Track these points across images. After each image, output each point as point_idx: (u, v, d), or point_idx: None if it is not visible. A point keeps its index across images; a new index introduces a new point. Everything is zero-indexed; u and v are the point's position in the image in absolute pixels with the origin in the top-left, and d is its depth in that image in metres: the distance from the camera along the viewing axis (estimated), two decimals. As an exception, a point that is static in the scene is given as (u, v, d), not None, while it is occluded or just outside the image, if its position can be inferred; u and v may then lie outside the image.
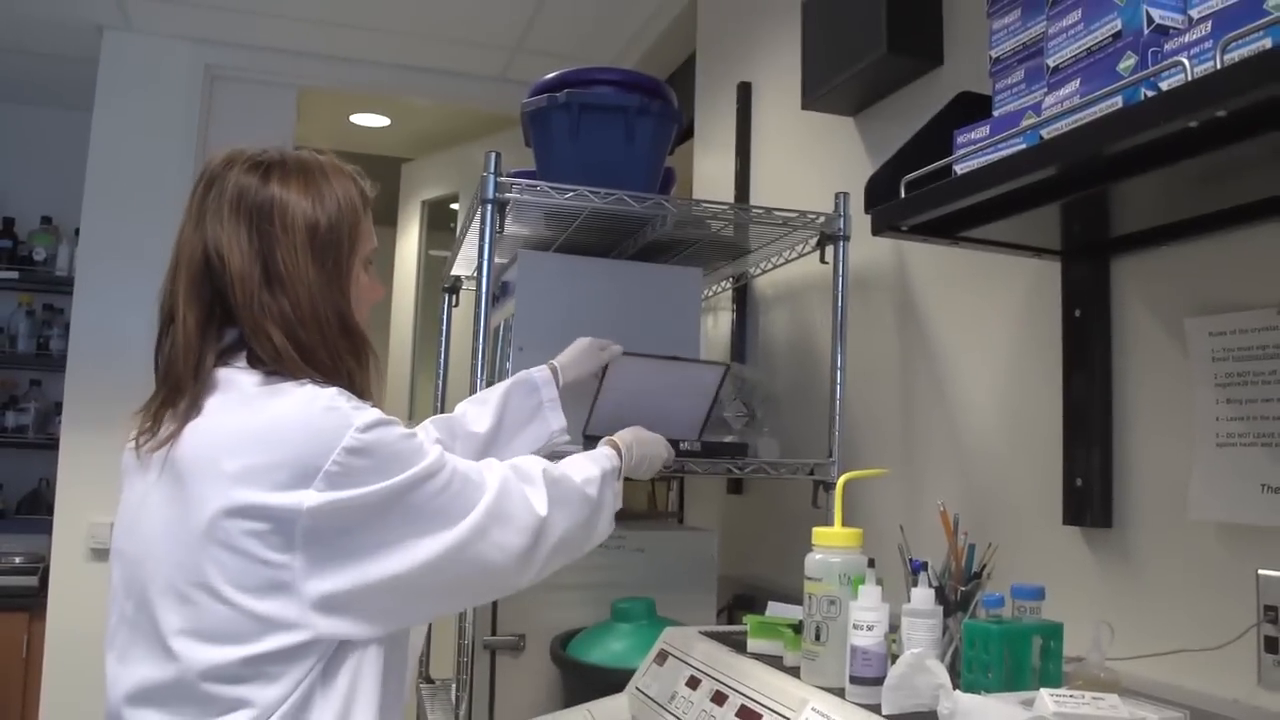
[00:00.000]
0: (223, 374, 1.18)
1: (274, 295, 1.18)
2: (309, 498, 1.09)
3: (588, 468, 1.43)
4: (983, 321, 1.80)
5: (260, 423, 1.13)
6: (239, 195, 1.20)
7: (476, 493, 1.22)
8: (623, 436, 1.59)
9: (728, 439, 2.08)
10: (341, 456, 1.10)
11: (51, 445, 3.58)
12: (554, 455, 1.56)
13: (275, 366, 1.18)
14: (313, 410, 1.14)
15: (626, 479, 1.58)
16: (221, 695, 1.09)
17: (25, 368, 3.99)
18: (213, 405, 1.16)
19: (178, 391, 1.18)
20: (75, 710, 2.70)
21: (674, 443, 1.72)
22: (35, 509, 3.96)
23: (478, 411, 1.68)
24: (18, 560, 3.66)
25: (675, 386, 1.90)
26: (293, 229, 1.19)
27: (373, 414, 1.15)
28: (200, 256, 1.19)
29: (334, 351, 1.21)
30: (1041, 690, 1.05)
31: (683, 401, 1.90)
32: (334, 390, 1.17)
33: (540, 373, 1.74)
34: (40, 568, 3.56)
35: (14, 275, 3.87)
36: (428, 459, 1.17)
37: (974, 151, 1.29)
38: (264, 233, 1.19)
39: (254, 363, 1.19)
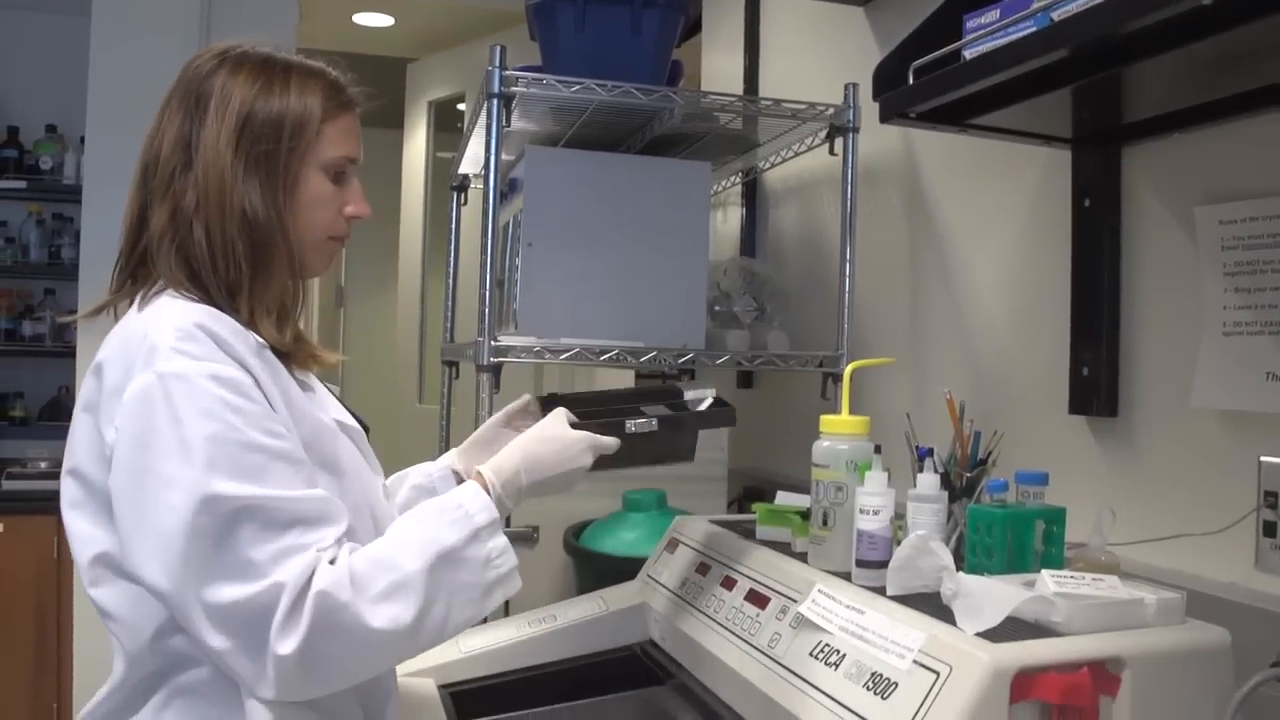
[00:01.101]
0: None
1: (186, 179, 1.11)
2: (109, 436, 1.03)
3: (412, 552, 1.06)
4: (991, 212, 1.79)
5: (118, 335, 1.09)
6: (189, 82, 1.15)
7: (229, 574, 0.97)
8: (501, 464, 1.20)
9: (735, 333, 2.09)
10: (129, 398, 1.01)
11: (69, 353, 3.61)
12: None
13: (182, 270, 1.11)
14: (138, 333, 1.05)
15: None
16: (95, 600, 1.09)
17: (39, 277, 3.99)
18: (126, 316, 1.12)
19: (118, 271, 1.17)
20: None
21: (619, 424, 1.28)
22: (56, 415, 4.01)
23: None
24: (43, 465, 3.73)
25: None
26: (223, 114, 1.12)
27: (183, 364, 1.01)
28: (147, 146, 1.16)
29: (227, 245, 1.11)
30: (1043, 572, 1.08)
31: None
32: (185, 313, 1.06)
33: (439, 470, 1.43)
34: (64, 472, 3.62)
35: (22, 185, 3.85)
36: (211, 487, 0.97)
37: (984, 35, 1.27)
38: (195, 117, 1.13)
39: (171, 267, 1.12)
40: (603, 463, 1.26)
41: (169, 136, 1.13)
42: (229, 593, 0.97)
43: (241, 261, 1.12)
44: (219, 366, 1.03)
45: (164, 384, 1.00)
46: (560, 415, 1.26)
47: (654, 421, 1.25)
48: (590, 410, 1.30)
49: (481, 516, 1.12)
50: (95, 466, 1.05)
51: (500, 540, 1.12)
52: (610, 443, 1.26)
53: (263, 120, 1.13)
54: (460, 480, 1.35)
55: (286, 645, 0.98)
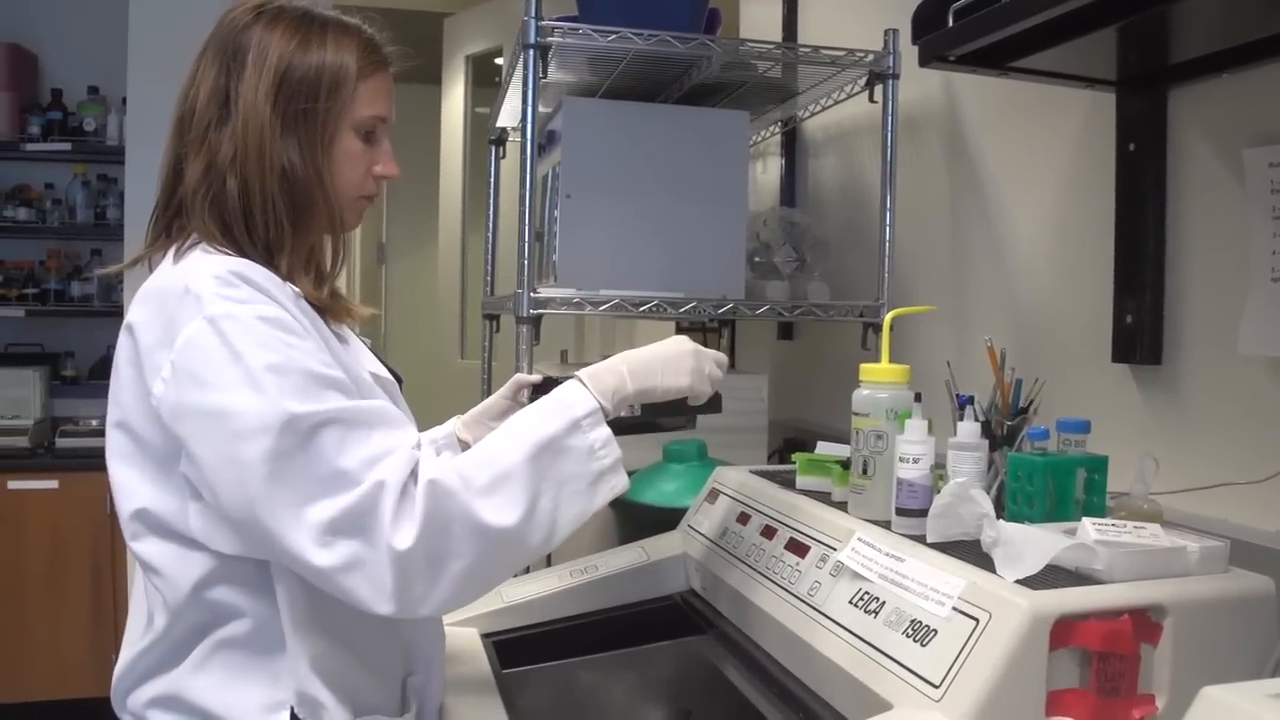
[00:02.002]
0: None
1: (222, 133, 1.11)
2: (158, 389, 1.02)
3: (512, 444, 1.07)
4: (1034, 157, 1.77)
5: (150, 290, 1.08)
6: (225, 34, 1.14)
7: (325, 489, 0.97)
8: (597, 367, 1.19)
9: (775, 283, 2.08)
10: (180, 353, 1.01)
11: (116, 313, 3.67)
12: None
13: (215, 222, 1.11)
14: (177, 286, 1.04)
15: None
16: (141, 557, 1.09)
17: (85, 238, 4.04)
18: (158, 270, 1.12)
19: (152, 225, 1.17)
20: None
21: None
22: (106, 374, 4.02)
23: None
24: (95, 423, 3.80)
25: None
26: (261, 68, 1.11)
27: (234, 308, 1.02)
28: (182, 99, 1.16)
29: (268, 202, 1.11)
30: (1084, 520, 1.07)
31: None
32: (222, 263, 1.06)
33: (444, 436, 1.44)
34: (116, 429, 3.69)
35: (66, 146, 3.89)
36: (286, 407, 0.97)
37: (1026, -25, 1.24)
38: (232, 70, 1.12)
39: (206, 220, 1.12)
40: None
41: (204, 89, 1.13)
42: (330, 506, 0.97)
43: (283, 219, 1.13)
44: (264, 307, 1.04)
45: (216, 326, 1.00)
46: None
47: (636, 409, 1.24)
48: None
49: (581, 407, 1.11)
50: (142, 420, 1.06)
51: (603, 431, 1.12)
52: (720, 356, 1.28)
53: (300, 77, 1.12)
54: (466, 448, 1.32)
55: (404, 538, 0.97)
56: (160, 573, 1.08)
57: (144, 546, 1.09)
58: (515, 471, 1.04)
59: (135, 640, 1.12)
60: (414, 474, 1.00)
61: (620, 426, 1.17)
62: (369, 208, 1.26)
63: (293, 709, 1.07)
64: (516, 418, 1.12)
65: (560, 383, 1.19)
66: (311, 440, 0.98)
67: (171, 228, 1.15)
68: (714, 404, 1.33)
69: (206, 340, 1.00)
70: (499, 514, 1.02)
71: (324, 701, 1.07)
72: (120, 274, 1.23)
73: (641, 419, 1.28)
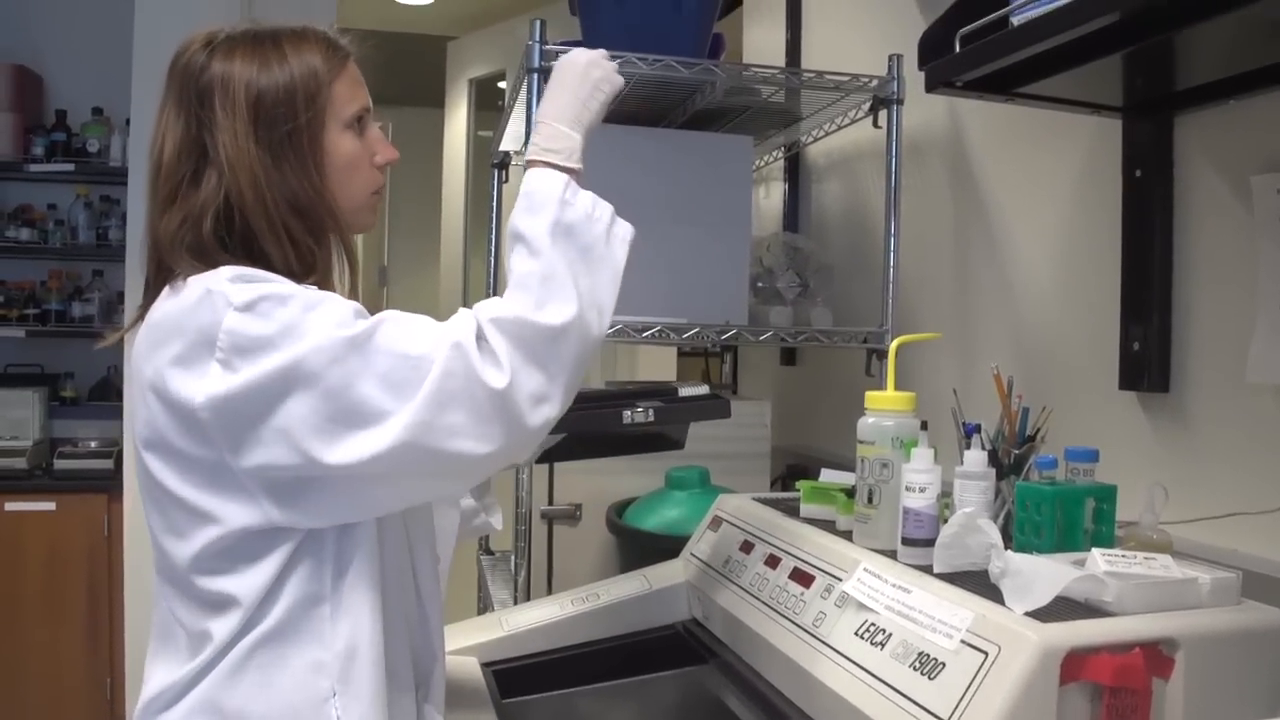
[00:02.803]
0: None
1: (200, 184, 1.09)
2: (202, 389, 1.01)
3: (527, 251, 1.10)
4: (1039, 183, 1.76)
5: (155, 320, 1.07)
6: (183, 79, 1.12)
7: (413, 376, 1.01)
8: (547, 142, 1.18)
9: (778, 309, 2.07)
10: (226, 341, 1.00)
11: (117, 333, 3.66)
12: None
13: (201, 260, 1.08)
14: (191, 299, 1.04)
15: None
16: (207, 590, 1.06)
17: (87, 259, 4.04)
18: (154, 307, 1.10)
19: (145, 291, 1.15)
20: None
21: (615, 414, 1.32)
22: (106, 395, 4.07)
23: None
24: (93, 444, 3.79)
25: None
26: (233, 108, 1.09)
27: (259, 288, 1.02)
28: (152, 157, 1.13)
29: (282, 236, 1.10)
30: (1093, 551, 1.05)
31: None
32: (227, 271, 1.05)
33: None
34: (115, 451, 3.68)
35: (70, 167, 3.89)
36: (339, 333, 1.01)
37: (1032, 1, 1.24)
38: (202, 118, 1.09)
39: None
40: (598, 450, 1.26)
41: (171, 142, 1.11)
42: (419, 392, 1.00)
43: (307, 241, 1.12)
44: (285, 285, 1.05)
45: (252, 309, 1.01)
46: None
47: (650, 412, 1.25)
48: (588, 403, 1.30)
49: (555, 185, 1.13)
50: (181, 438, 1.04)
51: (585, 194, 1.15)
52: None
53: (274, 100, 1.10)
54: None
55: (499, 378, 1.02)
56: (236, 598, 1.05)
57: (216, 582, 1.06)
58: (546, 270, 1.08)
59: (174, 662, 1.09)
60: (477, 327, 1.05)
61: (637, 443, 1.17)
62: (380, 200, 1.24)
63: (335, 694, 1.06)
64: (512, 230, 1.13)
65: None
66: (376, 347, 1.01)
67: (165, 287, 1.12)
68: (723, 409, 1.33)
69: (247, 322, 1.01)
70: (560, 314, 1.07)
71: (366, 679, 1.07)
72: (118, 298, 1.22)
73: (658, 431, 1.28)
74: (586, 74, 1.22)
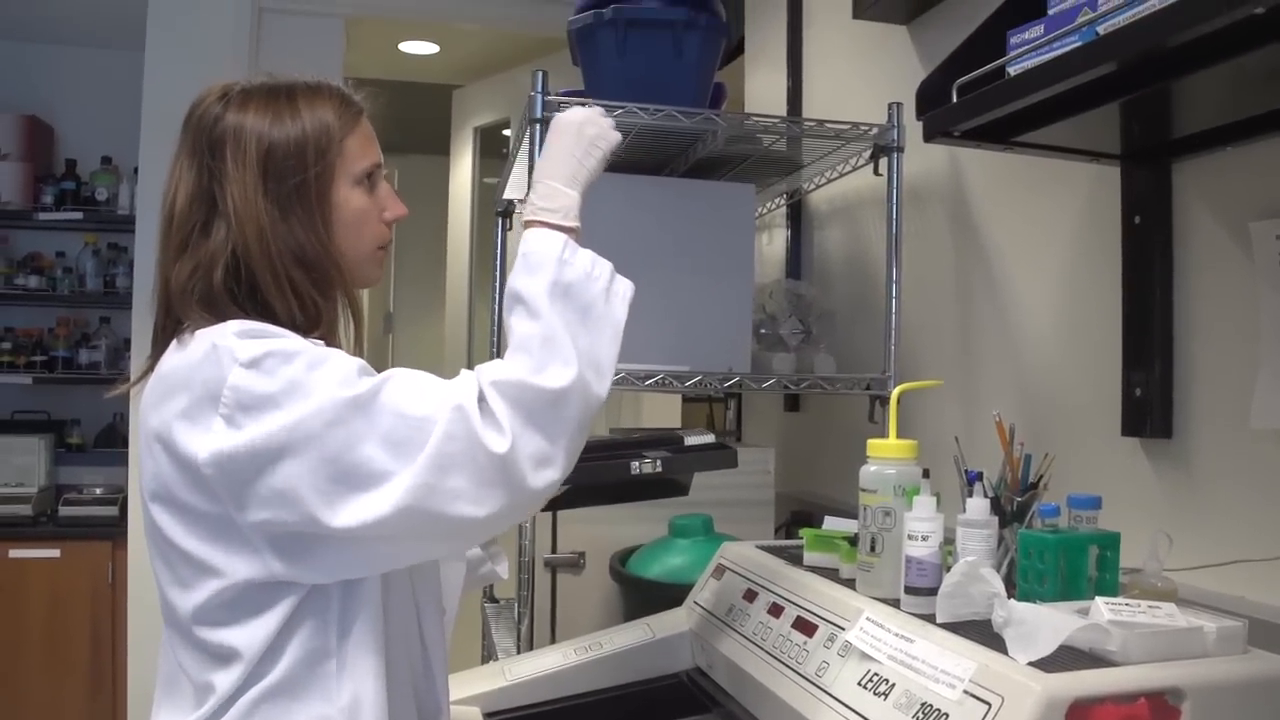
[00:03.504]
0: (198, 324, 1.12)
1: (210, 234, 1.10)
2: (206, 444, 1.01)
3: (525, 316, 1.10)
4: (1040, 230, 1.77)
5: (163, 373, 1.08)
6: (197, 129, 1.13)
7: (415, 437, 1.01)
8: (530, 198, 1.20)
9: (781, 355, 2.08)
10: (230, 397, 1.01)
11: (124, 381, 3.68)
12: None
13: (210, 311, 1.10)
14: (198, 353, 1.05)
15: None
16: (209, 641, 1.06)
17: (94, 306, 4.08)
18: (163, 359, 1.11)
19: (154, 341, 1.16)
20: (160, 633, 2.79)
21: (624, 465, 1.36)
22: (111, 442, 4.08)
23: None
24: (99, 491, 3.80)
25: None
26: (244, 160, 1.10)
27: (265, 344, 1.03)
28: (163, 204, 1.15)
29: (286, 289, 1.11)
30: (1097, 599, 1.05)
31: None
32: (234, 325, 1.06)
33: None
34: (120, 498, 3.68)
35: (78, 215, 3.94)
36: (342, 393, 1.01)
37: (1028, 51, 1.26)
38: (213, 169, 1.11)
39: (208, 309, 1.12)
40: (604, 498, 1.26)
41: (183, 192, 1.12)
42: (420, 455, 1.00)
43: (312, 294, 1.13)
44: (292, 341, 1.05)
45: (258, 365, 1.01)
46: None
47: (658, 463, 1.25)
48: (595, 453, 1.30)
49: (553, 245, 1.13)
50: (188, 493, 1.04)
51: (583, 252, 1.15)
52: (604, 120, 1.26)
53: (284, 153, 1.11)
54: None
55: (500, 442, 1.02)
56: (239, 650, 1.05)
57: (219, 634, 1.06)
58: (548, 334, 1.09)
59: (179, 713, 1.09)
60: (479, 391, 1.05)
61: (643, 488, 1.17)
62: (386, 256, 1.25)
63: None
64: (511, 291, 1.13)
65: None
66: (380, 408, 1.02)
67: (173, 337, 1.13)
68: (730, 459, 1.33)
69: (252, 379, 1.01)
70: (560, 376, 1.07)
71: None
72: (125, 344, 1.24)
73: (664, 477, 1.28)
74: (581, 132, 1.23)
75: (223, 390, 1.01)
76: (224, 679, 1.05)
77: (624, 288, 1.17)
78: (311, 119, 1.13)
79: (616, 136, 1.27)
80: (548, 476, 1.06)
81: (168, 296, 1.13)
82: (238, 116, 1.12)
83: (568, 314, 1.10)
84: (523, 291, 1.11)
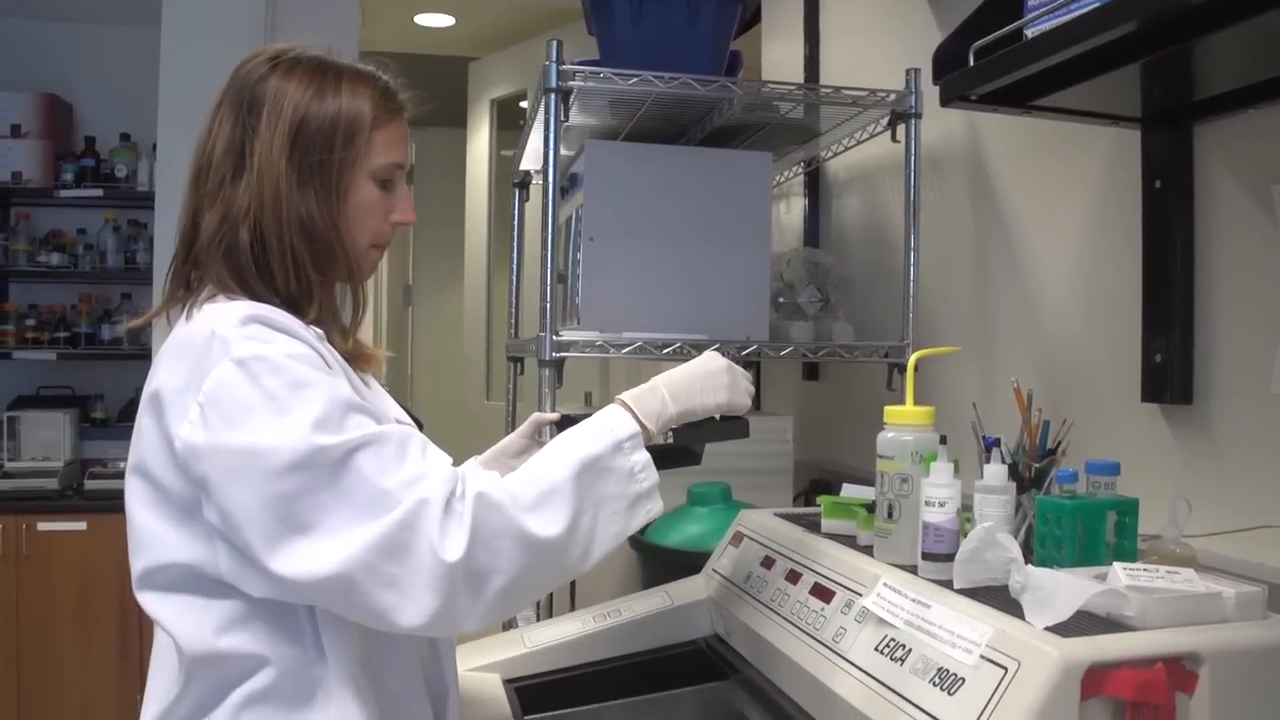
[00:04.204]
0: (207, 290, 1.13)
1: (237, 186, 1.11)
2: (181, 429, 1.01)
3: (557, 462, 1.09)
4: (1059, 195, 1.75)
5: (169, 345, 1.08)
6: (240, 87, 1.14)
7: (374, 509, 0.97)
8: (639, 390, 1.20)
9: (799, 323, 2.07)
10: (210, 388, 1.00)
11: (145, 356, 3.69)
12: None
13: (230, 266, 1.11)
14: (200, 334, 1.04)
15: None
16: (156, 615, 1.08)
17: (116, 282, 4.09)
18: (175, 329, 1.11)
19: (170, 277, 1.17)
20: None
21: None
22: (134, 416, 4.09)
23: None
24: (123, 464, 3.81)
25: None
26: (276, 121, 1.11)
27: (259, 347, 1.02)
28: (199, 151, 1.16)
29: (287, 255, 1.11)
30: (1115, 565, 1.05)
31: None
32: (241, 310, 1.05)
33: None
34: (144, 471, 3.71)
35: (99, 193, 3.95)
36: (313, 439, 0.97)
37: (1046, 13, 1.24)
38: (247, 123, 1.12)
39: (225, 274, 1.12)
40: None
41: (220, 141, 1.13)
42: (374, 528, 0.97)
43: (307, 270, 1.13)
44: (291, 344, 1.04)
45: (245, 367, 1.00)
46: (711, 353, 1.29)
47: (669, 434, 1.25)
48: None
49: (623, 429, 1.13)
50: (164, 468, 1.05)
51: (643, 455, 1.13)
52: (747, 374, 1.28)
53: (316, 128, 1.12)
54: None
55: (453, 550, 0.98)
56: (176, 626, 1.06)
57: (157, 601, 1.08)
58: (559, 488, 1.06)
59: (160, 693, 1.10)
60: (457, 491, 1.02)
61: (655, 458, 1.17)
62: (381, 256, 1.25)
63: None
64: (561, 438, 1.13)
65: (578, 420, 1.18)
66: (347, 468, 0.98)
67: (190, 280, 1.15)
68: (743, 429, 1.33)
69: (235, 381, 1.00)
70: (544, 527, 1.03)
71: None
72: (145, 325, 1.24)
73: (675, 446, 1.28)
74: (717, 377, 1.25)
75: (205, 379, 1.01)
76: (175, 661, 1.07)
77: (653, 508, 1.14)
78: (350, 103, 1.14)
79: (745, 403, 1.27)
80: (479, 608, 1.01)
81: (194, 239, 1.14)
82: (281, 82, 1.13)
83: (592, 491, 1.08)
84: (570, 447, 1.11)
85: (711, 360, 1.26)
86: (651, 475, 1.14)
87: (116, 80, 4.12)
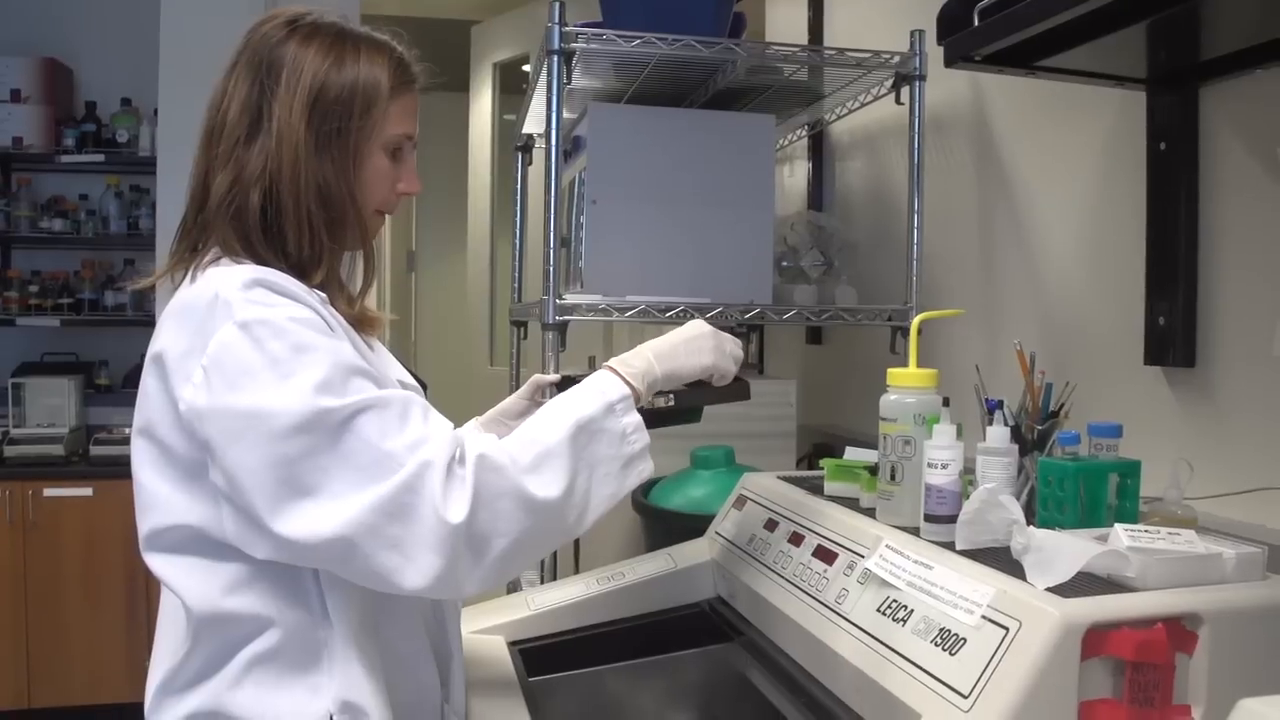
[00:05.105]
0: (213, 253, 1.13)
1: (251, 148, 1.11)
2: (186, 392, 1.02)
3: (552, 425, 1.10)
4: (1063, 158, 1.74)
5: (173, 308, 1.08)
6: (257, 48, 1.14)
7: (376, 472, 0.98)
8: (627, 355, 1.23)
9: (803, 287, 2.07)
10: (214, 351, 1.01)
11: (149, 322, 3.70)
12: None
13: (237, 228, 1.11)
14: (203, 298, 1.04)
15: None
16: (164, 576, 1.08)
17: (118, 248, 4.09)
18: (179, 291, 1.10)
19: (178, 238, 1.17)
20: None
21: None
22: (139, 382, 4.11)
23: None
24: (128, 430, 3.82)
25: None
26: (295, 87, 1.11)
27: (262, 311, 1.02)
28: (212, 111, 1.16)
29: (303, 220, 1.12)
30: (1116, 526, 1.05)
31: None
32: (244, 274, 1.05)
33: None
34: (149, 437, 3.73)
35: (100, 158, 3.94)
36: (316, 402, 0.98)
37: (1052, -27, 1.23)
38: (266, 86, 1.12)
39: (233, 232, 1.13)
40: None
41: (235, 103, 1.13)
42: (377, 490, 0.98)
43: (321, 235, 1.13)
44: (295, 308, 1.04)
45: (248, 330, 1.01)
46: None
47: (670, 397, 1.26)
48: None
49: (614, 392, 1.15)
50: (169, 430, 1.06)
51: (634, 416, 1.15)
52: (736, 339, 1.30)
53: (334, 96, 1.13)
54: None
55: (456, 512, 0.99)
56: (183, 587, 1.07)
57: (164, 561, 1.08)
58: (556, 450, 1.08)
59: (168, 654, 1.11)
60: (458, 455, 1.02)
61: (655, 417, 1.18)
62: (383, 222, 1.26)
63: (332, 716, 1.06)
64: (554, 402, 1.15)
65: (579, 380, 1.20)
66: (349, 430, 0.99)
67: (197, 242, 1.15)
68: (743, 392, 1.34)
69: (238, 344, 1.00)
70: (543, 489, 1.05)
71: (369, 710, 1.07)
72: (150, 286, 1.25)
73: (675, 407, 1.28)
74: (702, 340, 1.27)
75: (209, 342, 1.01)
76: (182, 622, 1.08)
77: (645, 469, 1.16)
78: (368, 73, 1.15)
79: (729, 367, 1.29)
80: (482, 570, 1.03)
81: (204, 199, 1.14)
82: (300, 48, 1.14)
83: (586, 453, 1.10)
84: (563, 410, 1.12)
85: (698, 326, 1.29)
86: (643, 437, 1.15)
87: (117, 45, 4.09)
